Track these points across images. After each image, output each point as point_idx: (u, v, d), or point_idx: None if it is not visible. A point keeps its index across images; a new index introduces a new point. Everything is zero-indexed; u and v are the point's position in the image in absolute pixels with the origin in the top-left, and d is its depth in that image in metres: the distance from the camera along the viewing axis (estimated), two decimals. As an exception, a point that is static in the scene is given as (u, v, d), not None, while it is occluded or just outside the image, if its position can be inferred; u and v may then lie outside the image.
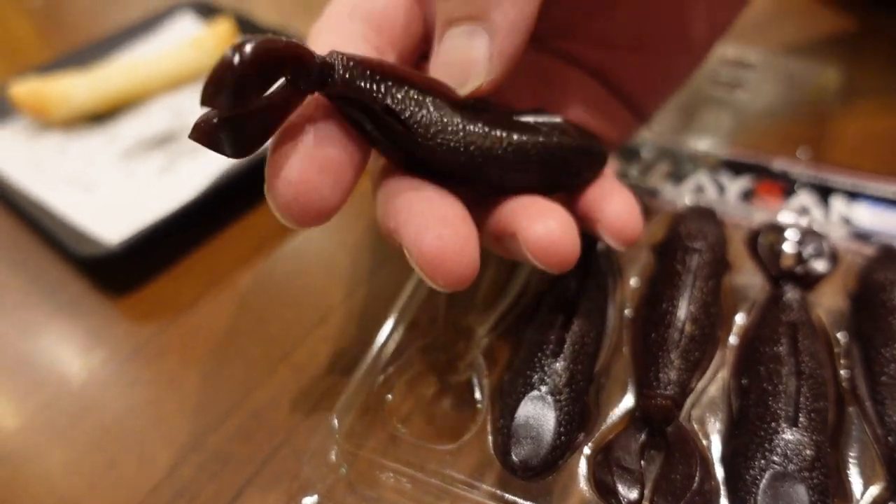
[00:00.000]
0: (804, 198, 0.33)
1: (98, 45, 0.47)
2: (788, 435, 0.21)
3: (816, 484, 0.20)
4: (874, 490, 0.21)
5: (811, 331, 0.24)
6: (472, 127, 0.20)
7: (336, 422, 0.24)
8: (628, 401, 0.24)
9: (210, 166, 0.37)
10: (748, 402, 0.23)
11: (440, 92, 0.20)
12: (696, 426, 0.23)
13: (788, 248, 0.29)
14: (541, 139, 0.22)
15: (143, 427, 0.27)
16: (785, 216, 0.31)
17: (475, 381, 0.25)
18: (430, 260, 0.18)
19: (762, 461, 0.21)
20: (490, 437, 0.23)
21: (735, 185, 0.34)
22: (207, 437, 0.26)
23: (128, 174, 0.38)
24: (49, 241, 0.35)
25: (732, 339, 0.26)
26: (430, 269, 0.18)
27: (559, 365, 0.23)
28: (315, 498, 0.23)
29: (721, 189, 0.34)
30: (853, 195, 0.33)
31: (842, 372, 0.25)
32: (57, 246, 0.34)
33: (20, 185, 0.37)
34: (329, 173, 0.18)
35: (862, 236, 0.30)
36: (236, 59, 0.15)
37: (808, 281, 0.27)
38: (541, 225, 0.20)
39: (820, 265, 0.27)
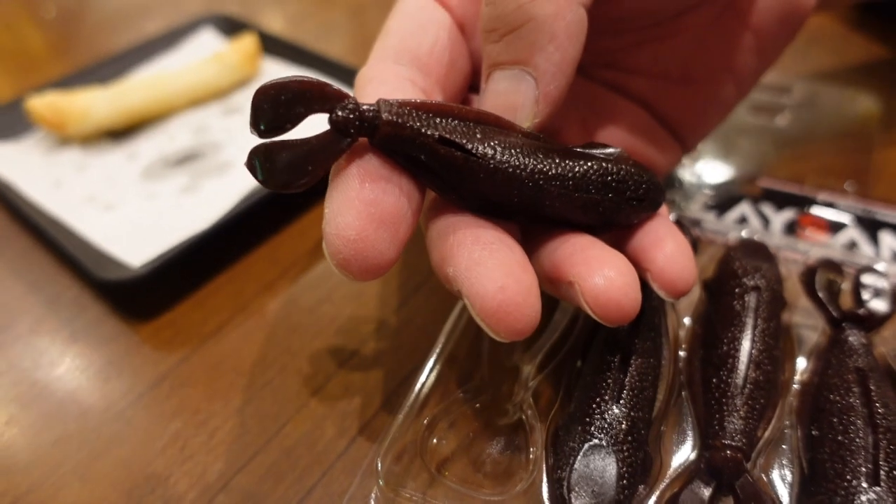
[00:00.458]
0: (852, 232, 0.32)
1: (117, 59, 0.46)
2: (872, 494, 0.19)
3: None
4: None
5: (881, 377, 0.23)
6: (530, 152, 0.20)
7: (380, 464, 0.22)
8: (688, 448, 0.23)
9: (234, 186, 0.35)
10: (822, 455, 0.21)
11: (491, 122, 0.20)
12: (763, 477, 0.22)
13: (847, 286, 0.27)
14: (605, 165, 0.21)
15: (167, 464, 0.25)
16: (837, 251, 0.30)
17: (525, 424, 0.24)
18: (493, 313, 0.17)
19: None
20: (546, 488, 0.22)
21: (780, 217, 0.33)
22: (236, 477, 0.25)
23: (149, 193, 0.36)
24: (67, 261, 0.33)
25: (794, 384, 0.25)
26: (494, 322, 0.17)
27: (618, 411, 0.22)
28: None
29: (766, 221, 0.33)
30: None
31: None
32: (75, 267, 0.33)
33: (37, 201, 0.35)
34: (386, 227, 0.18)
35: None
36: (271, 86, 0.17)
37: (872, 323, 0.26)
38: (600, 276, 0.19)
39: (882, 306, 0.26)
